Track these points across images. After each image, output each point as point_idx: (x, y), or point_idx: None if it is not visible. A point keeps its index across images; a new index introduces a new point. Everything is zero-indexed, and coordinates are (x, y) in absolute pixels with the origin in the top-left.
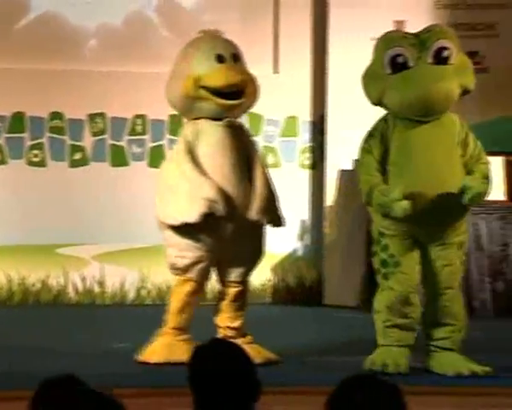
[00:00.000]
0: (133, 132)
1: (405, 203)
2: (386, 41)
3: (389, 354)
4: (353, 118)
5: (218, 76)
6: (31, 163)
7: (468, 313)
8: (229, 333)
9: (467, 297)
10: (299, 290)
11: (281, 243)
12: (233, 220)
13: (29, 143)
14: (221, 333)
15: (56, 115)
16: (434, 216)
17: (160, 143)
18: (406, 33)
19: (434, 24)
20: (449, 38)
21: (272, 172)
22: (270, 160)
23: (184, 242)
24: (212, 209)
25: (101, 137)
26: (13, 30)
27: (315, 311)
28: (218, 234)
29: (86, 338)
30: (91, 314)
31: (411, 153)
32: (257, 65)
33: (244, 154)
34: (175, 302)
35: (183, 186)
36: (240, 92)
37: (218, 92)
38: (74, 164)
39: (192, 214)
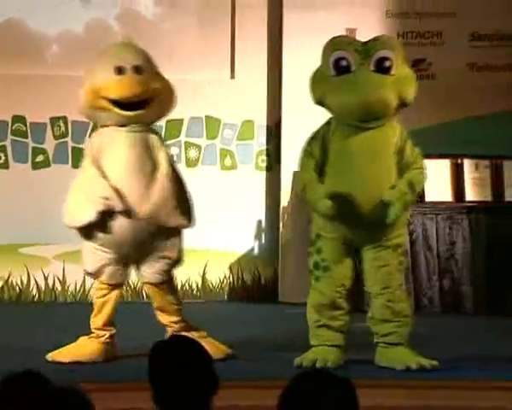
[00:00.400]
0: None
1: (328, 202)
2: (332, 44)
3: (319, 352)
4: (308, 122)
5: (115, 88)
6: None
7: (417, 310)
8: (177, 327)
9: (416, 294)
10: (256, 288)
11: (237, 242)
12: (136, 222)
13: None
14: (169, 329)
15: (19, 119)
16: (366, 220)
17: None
18: (355, 40)
19: (383, 35)
20: (392, 49)
21: (229, 174)
22: (227, 162)
23: (92, 246)
24: (108, 207)
25: (62, 140)
26: None
27: (270, 308)
28: (123, 236)
29: (47, 335)
30: (53, 312)
31: (348, 157)
32: (214, 70)
33: (150, 158)
34: (95, 305)
35: (82, 190)
36: (142, 102)
37: (117, 103)
38: (36, 166)
39: (90, 213)
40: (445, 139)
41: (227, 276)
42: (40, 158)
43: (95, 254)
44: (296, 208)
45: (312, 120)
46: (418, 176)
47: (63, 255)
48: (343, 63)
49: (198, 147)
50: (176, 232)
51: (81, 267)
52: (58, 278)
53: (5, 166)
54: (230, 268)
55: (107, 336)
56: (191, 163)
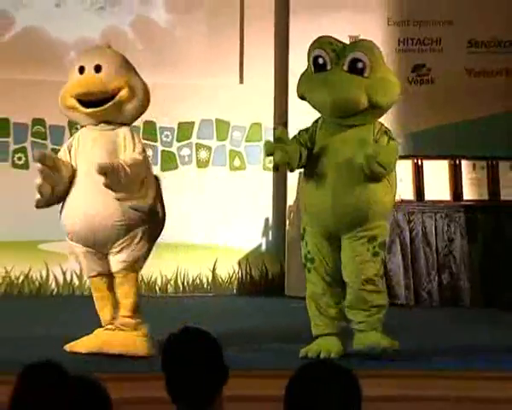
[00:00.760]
0: None
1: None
2: (314, 43)
3: (322, 344)
4: None
5: (75, 86)
6: (15, 166)
7: (417, 303)
8: (120, 322)
9: (415, 288)
10: (263, 282)
11: (246, 239)
12: (91, 215)
13: (13, 147)
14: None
15: (38, 121)
16: (343, 212)
17: None
18: (336, 40)
19: (363, 39)
20: (366, 52)
21: (238, 175)
22: (236, 163)
23: (70, 244)
24: (39, 192)
25: None
26: None
27: (277, 301)
28: (83, 227)
29: (65, 327)
30: (70, 305)
31: (327, 152)
32: (224, 76)
33: (115, 156)
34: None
35: None
36: (104, 100)
37: (81, 101)
38: None
39: (35, 201)
40: (443, 141)
41: (236, 271)
42: None
43: (74, 252)
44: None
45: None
46: (388, 149)
47: None
48: (320, 61)
49: (208, 148)
50: (135, 224)
51: None
52: (75, 273)
53: (25, 166)
54: (239, 264)
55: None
56: (202, 164)
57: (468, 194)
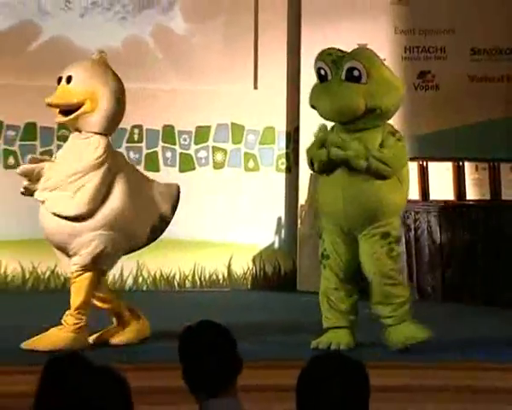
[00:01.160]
0: (132, 140)
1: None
2: (317, 55)
3: (333, 336)
4: None
5: (51, 96)
6: None
7: (421, 299)
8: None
9: (420, 284)
10: (276, 278)
11: (260, 236)
12: (50, 214)
13: (40, 149)
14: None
15: (63, 125)
16: (351, 211)
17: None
18: (337, 51)
19: (359, 47)
20: (361, 60)
21: (252, 176)
22: (250, 164)
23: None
24: (25, 187)
25: None
26: (26, 51)
27: (289, 296)
28: (48, 231)
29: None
30: None
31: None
32: (239, 82)
33: (77, 163)
34: None
35: None
36: (74, 109)
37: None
38: None
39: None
40: (447, 144)
41: (250, 267)
42: None
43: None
44: (313, 206)
45: (327, 126)
46: (379, 165)
47: None
48: (321, 72)
49: (224, 151)
50: (88, 229)
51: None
52: None
53: None
54: (253, 260)
55: (80, 324)
56: (218, 166)
57: (471, 194)
